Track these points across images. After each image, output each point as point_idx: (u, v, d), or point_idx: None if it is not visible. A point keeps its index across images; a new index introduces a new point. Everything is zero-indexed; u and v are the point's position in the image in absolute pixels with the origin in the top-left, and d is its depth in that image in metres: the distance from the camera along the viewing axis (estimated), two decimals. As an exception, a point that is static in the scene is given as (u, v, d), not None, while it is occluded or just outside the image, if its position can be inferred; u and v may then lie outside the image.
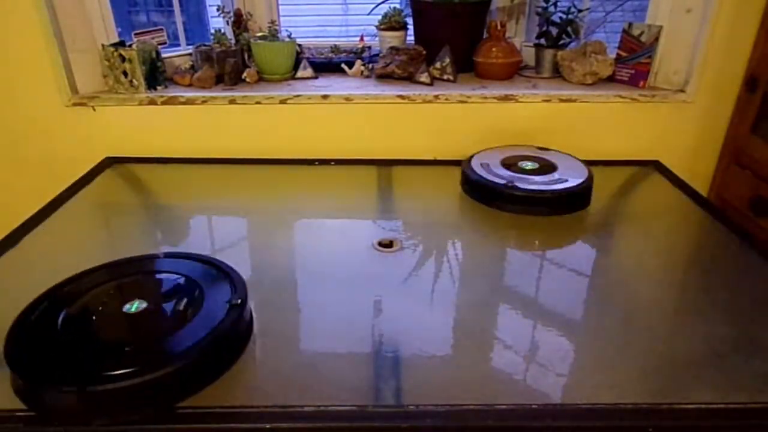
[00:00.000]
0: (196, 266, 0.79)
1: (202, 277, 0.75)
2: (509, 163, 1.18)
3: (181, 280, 0.75)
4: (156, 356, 0.62)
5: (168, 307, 0.70)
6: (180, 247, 0.98)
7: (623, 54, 1.40)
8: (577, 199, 1.11)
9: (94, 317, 0.69)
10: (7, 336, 0.65)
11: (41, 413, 0.60)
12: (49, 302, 0.71)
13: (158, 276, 0.78)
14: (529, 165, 1.18)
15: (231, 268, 0.78)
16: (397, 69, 1.42)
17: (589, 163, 1.19)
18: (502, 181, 1.09)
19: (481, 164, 1.16)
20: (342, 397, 0.64)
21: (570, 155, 1.24)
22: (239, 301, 0.70)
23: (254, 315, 0.75)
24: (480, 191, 1.12)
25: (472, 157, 1.21)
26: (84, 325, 0.68)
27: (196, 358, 0.62)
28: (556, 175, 1.13)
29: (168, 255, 0.82)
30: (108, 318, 0.69)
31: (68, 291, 0.73)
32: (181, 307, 0.69)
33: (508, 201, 1.08)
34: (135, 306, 0.69)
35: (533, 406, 0.62)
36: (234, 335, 0.68)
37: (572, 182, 1.10)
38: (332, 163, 1.33)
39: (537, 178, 1.11)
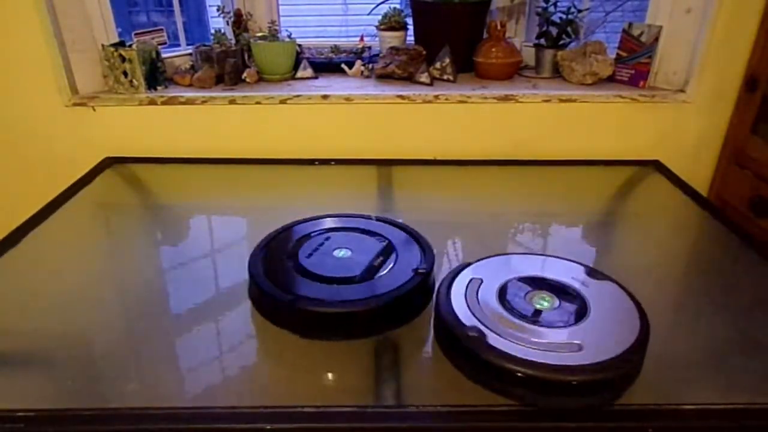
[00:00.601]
0: (399, 233, 0.89)
1: (400, 243, 0.86)
2: (516, 302, 0.71)
3: (383, 242, 0.86)
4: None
5: (369, 259, 0.81)
6: (180, 247, 0.98)
7: (623, 54, 1.40)
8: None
9: (312, 255, 0.83)
10: (251, 258, 0.81)
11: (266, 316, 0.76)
12: (278, 240, 0.88)
13: (367, 234, 0.90)
14: (546, 298, 0.71)
15: (427, 242, 0.86)
16: (397, 69, 1.42)
17: (589, 163, 1.17)
18: None
19: (474, 319, 0.67)
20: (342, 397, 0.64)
21: (570, 261, 0.80)
22: (423, 269, 0.79)
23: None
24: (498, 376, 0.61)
25: (446, 292, 0.71)
26: (303, 260, 0.81)
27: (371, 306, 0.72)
28: (595, 321, 0.67)
29: (378, 219, 0.94)
30: (322, 257, 0.82)
31: (294, 233, 0.90)
32: (376, 263, 0.80)
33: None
34: (342, 253, 0.83)
35: (533, 407, 0.62)
36: (408, 298, 0.75)
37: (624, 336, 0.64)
38: (332, 163, 1.33)
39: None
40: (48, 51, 1.27)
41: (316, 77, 1.48)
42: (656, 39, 1.33)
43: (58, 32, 1.26)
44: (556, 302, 0.71)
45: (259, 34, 1.44)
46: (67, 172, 1.24)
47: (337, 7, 3.72)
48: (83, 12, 1.31)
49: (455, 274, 0.77)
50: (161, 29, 1.43)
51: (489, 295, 0.72)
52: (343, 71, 1.51)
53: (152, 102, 1.33)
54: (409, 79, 1.43)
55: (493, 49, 1.42)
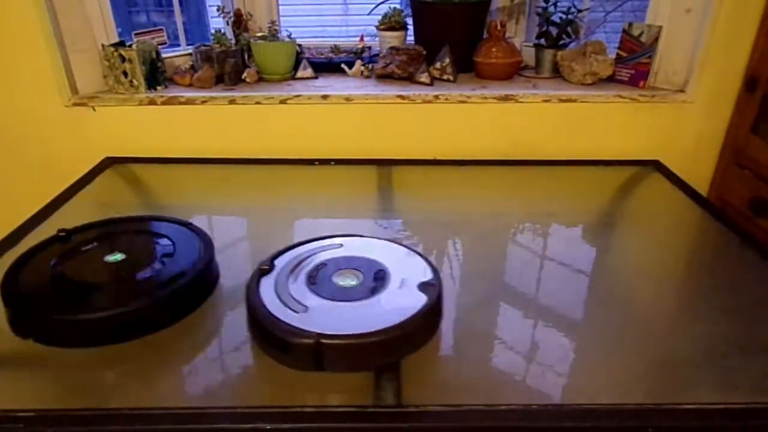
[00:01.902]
0: (174, 228, 0.92)
1: (178, 238, 0.89)
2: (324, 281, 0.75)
3: (161, 240, 0.89)
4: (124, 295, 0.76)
5: (142, 260, 0.84)
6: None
7: (623, 54, 1.40)
8: None
9: (82, 263, 0.83)
10: (6, 273, 0.78)
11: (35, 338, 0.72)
12: (45, 250, 0.86)
13: (143, 235, 0.93)
14: (350, 279, 0.76)
15: (203, 232, 0.90)
16: (397, 69, 1.42)
17: (589, 163, 1.17)
18: None
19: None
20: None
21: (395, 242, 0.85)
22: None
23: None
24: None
25: (257, 282, 0.74)
26: (74, 269, 0.81)
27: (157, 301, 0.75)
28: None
29: (153, 218, 0.97)
30: (93, 264, 0.83)
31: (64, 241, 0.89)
32: (154, 263, 0.82)
33: None
34: (115, 257, 0.84)
35: (533, 407, 0.62)
36: (194, 288, 0.80)
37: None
38: (332, 163, 1.33)
39: None
40: (48, 51, 1.27)
41: (316, 77, 1.48)
42: (656, 39, 1.33)
43: (58, 32, 1.26)
44: (362, 278, 0.76)
45: (259, 34, 1.44)
46: (67, 173, 1.24)
47: (337, 7, 3.73)
48: (83, 12, 1.31)
49: (280, 253, 0.82)
50: (161, 29, 1.43)
51: (302, 276, 0.77)
52: (343, 71, 1.51)
53: (152, 102, 1.33)
54: (409, 79, 1.43)
55: (493, 49, 1.42)
